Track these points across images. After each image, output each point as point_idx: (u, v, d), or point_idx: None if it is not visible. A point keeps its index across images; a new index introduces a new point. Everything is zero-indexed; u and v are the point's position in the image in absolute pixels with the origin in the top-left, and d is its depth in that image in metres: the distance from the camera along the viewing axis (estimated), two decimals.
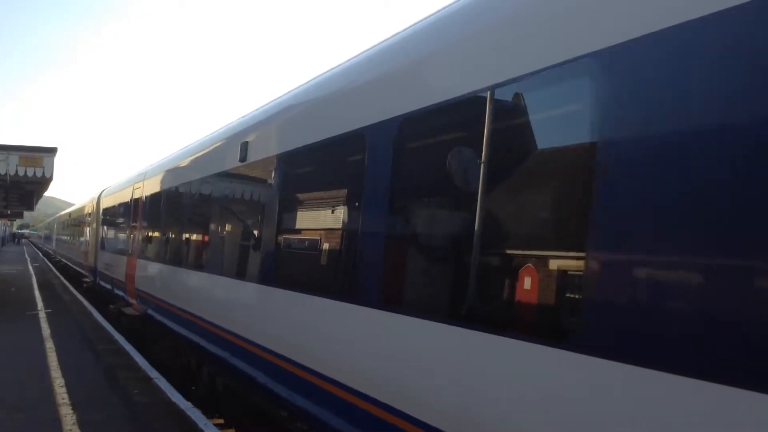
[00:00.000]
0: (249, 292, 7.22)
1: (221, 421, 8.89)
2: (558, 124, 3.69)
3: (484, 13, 4.23)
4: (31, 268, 37.82)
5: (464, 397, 3.77)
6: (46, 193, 24.15)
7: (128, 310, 14.19)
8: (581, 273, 3.13)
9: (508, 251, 3.83)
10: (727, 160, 2.59)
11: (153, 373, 10.35)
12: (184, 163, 11.09)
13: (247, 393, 7.30)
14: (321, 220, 5.95)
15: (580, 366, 3.04)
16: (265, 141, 7.22)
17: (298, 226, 6.46)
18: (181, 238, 10.93)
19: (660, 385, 2.70)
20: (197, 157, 10.31)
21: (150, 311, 12.41)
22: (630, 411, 2.81)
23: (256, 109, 8.28)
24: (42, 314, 17.02)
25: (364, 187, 4.90)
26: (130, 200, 15.32)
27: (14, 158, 15.06)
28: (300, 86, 7.07)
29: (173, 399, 8.78)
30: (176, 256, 10.95)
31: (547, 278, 3.39)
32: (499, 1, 4.18)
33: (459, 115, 4.24)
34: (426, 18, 5.08)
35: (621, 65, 3.04)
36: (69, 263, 32.20)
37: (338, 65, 6.30)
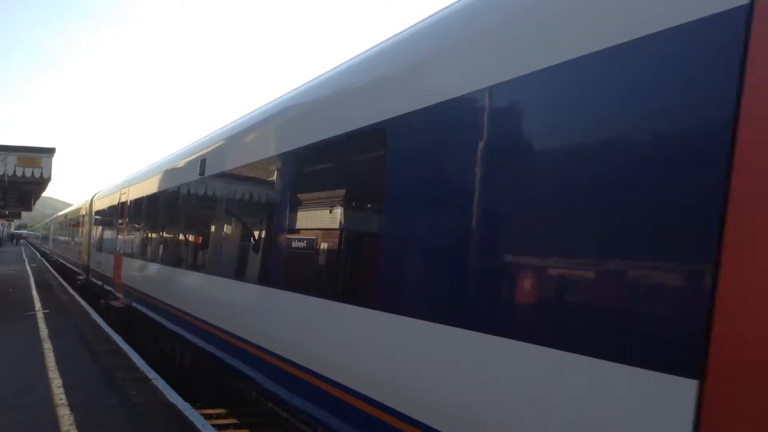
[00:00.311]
0: (205, 282, 8.98)
1: (217, 411, 8.90)
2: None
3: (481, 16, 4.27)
4: (28, 268, 37.78)
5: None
6: (44, 194, 24.11)
7: (116, 303, 15.75)
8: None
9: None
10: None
11: (151, 374, 10.34)
12: (159, 174, 12.66)
13: (210, 367, 8.80)
14: (250, 222, 8.05)
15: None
16: (216, 159, 9.04)
17: (236, 227, 8.39)
18: (157, 238, 12.63)
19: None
20: (168, 170, 11.95)
21: (134, 303, 13.96)
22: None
23: (211, 132, 10.12)
24: (40, 315, 17.00)
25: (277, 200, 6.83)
26: (118, 204, 16.91)
27: (12, 158, 15.05)
28: (240, 117, 8.93)
29: (171, 399, 8.78)
30: (153, 254, 12.63)
31: None
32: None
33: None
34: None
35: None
36: (64, 262, 34.33)
37: (272, 101, 7.91)
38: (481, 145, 3.84)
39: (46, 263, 46.06)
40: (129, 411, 8.18)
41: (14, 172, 15.05)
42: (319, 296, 5.59)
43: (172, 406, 8.49)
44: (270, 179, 7.09)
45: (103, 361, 11.29)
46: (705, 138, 2.70)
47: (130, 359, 11.63)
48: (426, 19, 5.00)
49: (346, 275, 5.36)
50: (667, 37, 2.85)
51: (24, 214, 51.57)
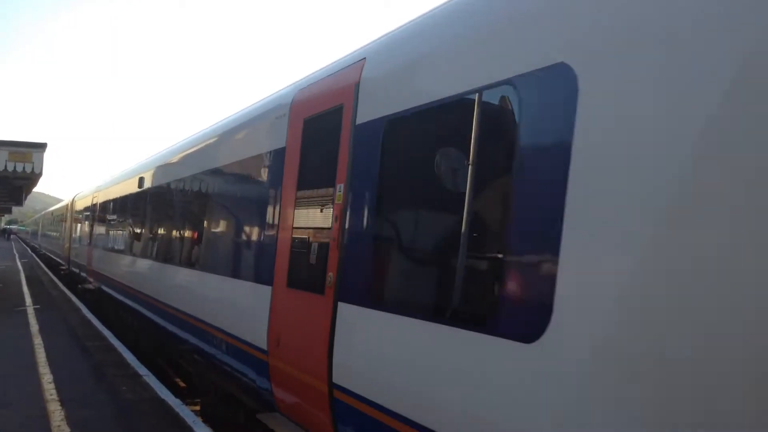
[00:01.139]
0: (141, 264, 12.71)
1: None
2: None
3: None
4: (19, 264, 37.61)
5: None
6: (35, 189, 24.08)
7: (89, 286, 19.36)
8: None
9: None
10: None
11: (142, 370, 10.34)
12: (117, 184, 16.47)
13: (147, 327, 12.19)
14: (167, 221, 11.52)
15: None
16: (147, 178, 12.94)
17: (160, 225, 11.95)
18: (114, 233, 16.64)
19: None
20: (121, 182, 15.78)
21: (102, 285, 17.10)
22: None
23: (147, 158, 14.40)
24: (30, 310, 16.95)
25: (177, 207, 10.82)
26: (91, 205, 20.76)
27: (3, 153, 14.99)
28: (161, 150, 13.14)
29: (162, 396, 8.78)
30: (111, 245, 16.51)
31: None
32: None
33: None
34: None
35: None
36: (51, 255, 38.79)
37: (172, 144, 12.26)
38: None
39: (36, 259, 45.86)
40: (119, 407, 8.17)
41: (5, 167, 14.99)
42: (202, 270, 8.76)
43: (163, 402, 8.50)
44: (176, 194, 10.87)
45: (94, 357, 11.27)
46: None
47: (120, 355, 11.61)
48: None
49: (206, 255, 8.84)
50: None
51: (15, 209, 51.44)
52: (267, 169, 6.82)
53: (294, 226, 6.01)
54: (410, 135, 4.62)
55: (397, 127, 4.62)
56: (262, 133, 7.13)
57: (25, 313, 16.42)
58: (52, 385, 9.01)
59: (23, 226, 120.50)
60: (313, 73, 6.56)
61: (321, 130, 5.72)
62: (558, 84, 3.24)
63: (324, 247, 5.32)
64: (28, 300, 19.28)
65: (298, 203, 5.98)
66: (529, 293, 3.29)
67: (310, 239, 5.69)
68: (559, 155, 3.15)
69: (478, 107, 3.82)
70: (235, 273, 7.48)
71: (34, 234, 68.92)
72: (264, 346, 6.26)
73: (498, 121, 3.85)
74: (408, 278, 4.59)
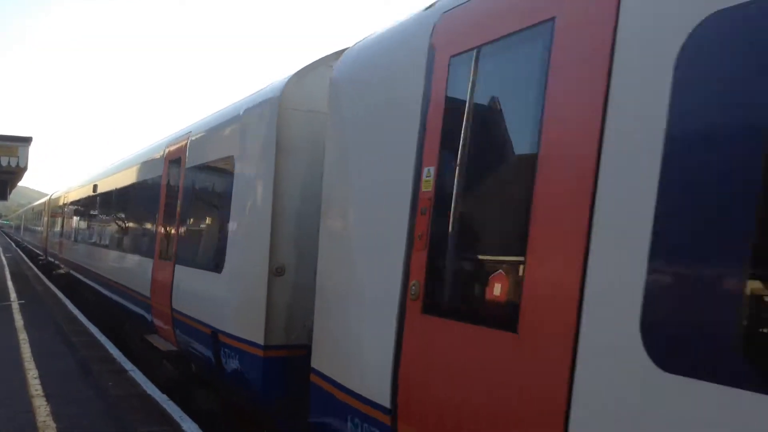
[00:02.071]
0: (91, 249, 17.12)
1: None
2: None
3: None
4: (3, 258, 37.29)
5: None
6: (20, 183, 24.04)
7: (60, 271, 23.92)
8: None
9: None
10: None
11: (128, 366, 10.31)
12: (79, 188, 21.04)
13: (94, 294, 16.47)
14: (108, 218, 15.54)
15: None
16: (99, 186, 16.93)
17: (105, 221, 15.98)
18: (76, 228, 21.25)
19: None
20: (82, 186, 20.42)
21: (70, 270, 21.26)
22: None
23: (101, 168, 18.80)
24: (15, 305, 16.84)
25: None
26: (62, 204, 25.29)
27: None
28: (110, 163, 17.62)
29: (148, 391, 8.77)
30: (74, 237, 21.18)
31: None
32: None
33: None
34: None
35: None
36: (32, 247, 43.39)
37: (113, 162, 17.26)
38: None
39: (21, 254, 45.49)
40: (106, 402, 8.16)
41: None
42: (129, 252, 12.63)
43: (149, 397, 8.49)
44: (114, 199, 15.06)
45: (80, 352, 11.22)
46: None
47: (106, 350, 11.58)
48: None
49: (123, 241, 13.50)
50: None
51: None
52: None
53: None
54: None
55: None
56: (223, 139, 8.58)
57: (9, 308, 16.31)
58: (38, 381, 8.97)
59: (7, 220, 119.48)
60: None
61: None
62: None
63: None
64: (13, 295, 19.15)
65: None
66: (220, 249, 7.59)
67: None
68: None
69: None
70: (134, 251, 12.11)
71: (18, 228, 71.51)
72: (147, 293, 10.45)
73: None
74: None
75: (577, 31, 3.07)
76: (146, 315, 10.49)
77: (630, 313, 2.60)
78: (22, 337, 12.29)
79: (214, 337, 7.40)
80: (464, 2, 3.98)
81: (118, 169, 14.78)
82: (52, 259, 27.02)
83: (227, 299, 7.20)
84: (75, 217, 21.35)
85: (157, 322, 9.84)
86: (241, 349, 6.70)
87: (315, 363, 5.13)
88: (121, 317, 12.92)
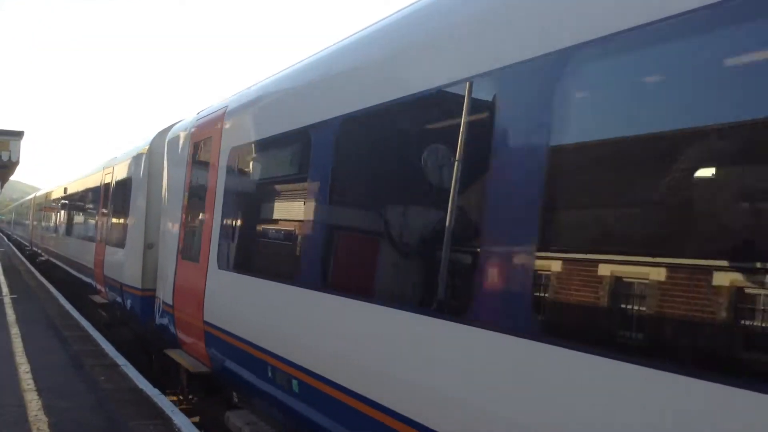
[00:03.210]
0: (61, 239, 22.47)
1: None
2: None
3: None
4: None
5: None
6: (12, 177, 24.04)
7: (41, 258, 28.71)
8: None
9: None
10: None
11: (120, 360, 10.34)
12: (57, 189, 25.77)
13: (65, 278, 20.68)
14: (73, 217, 21.37)
15: None
16: (67, 190, 22.10)
17: (69, 219, 21.67)
18: (53, 223, 26.11)
19: None
20: (55, 190, 25.95)
21: (49, 257, 25.96)
22: None
23: (70, 178, 23.24)
24: (7, 299, 16.81)
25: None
26: (44, 201, 30.91)
27: None
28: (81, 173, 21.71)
29: (140, 386, 8.80)
30: (49, 229, 27.23)
31: None
32: None
33: None
34: None
35: None
36: (20, 239, 47.95)
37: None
38: None
39: (13, 248, 45.35)
40: (97, 396, 8.19)
41: None
42: (79, 239, 18.41)
43: (141, 392, 8.52)
44: (72, 200, 20.90)
45: (72, 347, 11.24)
46: None
47: (98, 345, 11.59)
48: None
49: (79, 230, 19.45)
50: None
51: None
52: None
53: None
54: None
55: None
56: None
57: (2, 303, 16.29)
58: (29, 375, 8.98)
59: (2, 215, 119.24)
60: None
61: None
62: None
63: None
64: (5, 289, 19.11)
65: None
66: (123, 234, 12.38)
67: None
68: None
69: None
70: (84, 238, 17.50)
71: (9, 223, 74.27)
72: (91, 266, 15.28)
73: None
74: None
75: (204, 146, 8.30)
76: (91, 281, 15.73)
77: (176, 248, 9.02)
78: (14, 331, 12.29)
79: (121, 288, 12.19)
80: (200, 120, 8.83)
81: (77, 178, 21.05)
82: (36, 249, 32.85)
83: (126, 264, 11.89)
84: (51, 213, 27.58)
85: (96, 285, 15.05)
86: (132, 293, 11.50)
87: (157, 293, 9.94)
88: (77, 284, 18.16)
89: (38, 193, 37.05)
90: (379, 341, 4.43)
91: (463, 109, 3.88)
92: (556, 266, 3.19)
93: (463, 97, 3.88)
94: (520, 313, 3.32)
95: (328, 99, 5.41)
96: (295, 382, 5.49)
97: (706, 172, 2.69)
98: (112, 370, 9.67)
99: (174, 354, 8.70)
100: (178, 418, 7.41)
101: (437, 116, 4.36)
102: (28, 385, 8.50)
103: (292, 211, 6.16)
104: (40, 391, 8.23)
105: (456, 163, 3.87)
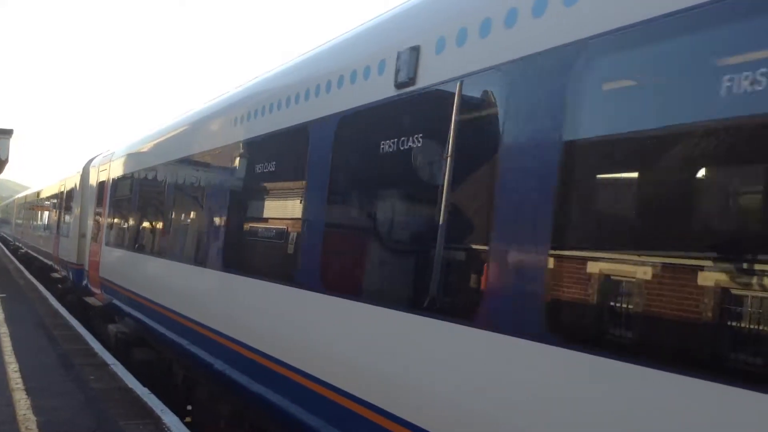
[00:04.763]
0: (31, 231, 32.37)
1: None
2: None
3: None
4: None
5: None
6: (1, 176, 23.91)
7: (22, 250, 34.25)
8: None
9: None
10: None
11: (109, 359, 10.31)
12: (34, 192, 33.44)
13: (34, 261, 28.57)
14: (42, 217, 28.69)
15: None
16: (39, 193, 30.60)
17: (42, 219, 28.20)
18: (31, 222, 32.59)
19: None
20: (36, 192, 32.80)
21: (27, 249, 31.66)
22: None
23: (44, 186, 30.57)
24: None
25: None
26: (23, 203, 38.02)
27: None
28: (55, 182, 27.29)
29: (130, 385, 8.77)
30: (30, 226, 32.74)
31: None
32: None
33: None
34: None
35: None
36: (6, 236, 53.83)
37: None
38: None
39: (3, 247, 45.17)
40: (87, 396, 8.15)
41: None
42: (44, 232, 26.31)
43: (130, 391, 8.50)
44: (41, 203, 28.52)
45: (61, 346, 11.19)
46: None
47: (88, 344, 11.55)
48: None
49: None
50: None
51: None
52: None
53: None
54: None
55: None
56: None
57: None
58: (18, 375, 8.93)
59: None
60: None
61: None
62: None
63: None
64: None
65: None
66: (67, 227, 18.93)
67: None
68: None
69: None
70: (47, 231, 24.48)
71: None
72: (51, 251, 22.23)
73: None
74: None
75: (101, 175, 14.62)
76: (52, 263, 21.85)
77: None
78: (3, 330, 12.22)
79: (66, 264, 17.77)
80: (103, 157, 14.74)
81: (45, 187, 28.21)
82: (19, 244, 38.87)
83: (68, 248, 17.44)
84: (27, 213, 34.53)
85: (55, 265, 21.16)
86: (71, 267, 16.92)
87: (84, 265, 15.35)
88: (45, 268, 23.76)
89: (18, 196, 46.52)
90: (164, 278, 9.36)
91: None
92: (550, 265, 3.18)
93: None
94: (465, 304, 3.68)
95: (153, 154, 10.49)
96: (138, 303, 10.09)
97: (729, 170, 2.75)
98: (101, 370, 9.63)
99: (89, 299, 14.37)
100: (168, 418, 7.39)
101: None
102: (17, 384, 8.45)
103: (136, 212, 11.41)
104: (28, 390, 8.19)
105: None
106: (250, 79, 7.61)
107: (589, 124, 3.06)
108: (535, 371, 3.06)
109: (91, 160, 16.42)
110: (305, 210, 5.33)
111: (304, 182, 5.40)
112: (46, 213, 25.10)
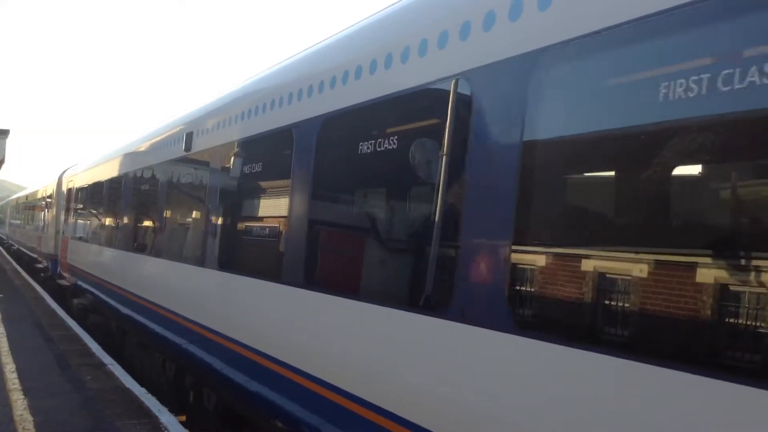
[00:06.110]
0: (22, 229, 35.57)
1: None
2: None
3: None
4: None
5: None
6: None
7: (13, 248, 37.82)
8: None
9: None
10: None
11: (107, 359, 10.31)
12: (21, 196, 40.51)
13: (23, 256, 32.42)
14: (30, 217, 31.78)
15: None
16: (26, 201, 34.85)
17: (31, 219, 31.25)
18: (21, 221, 36.65)
19: None
20: (20, 198, 40.29)
21: (18, 247, 34.90)
22: None
23: (28, 189, 37.86)
24: None
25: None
26: (14, 206, 43.22)
27: None
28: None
29: (127, 385, 8.78)
30: (20, 226, 36.62)
31: None
32: None
33: None
34: None
35: None
36: (1, 235, 57.49)
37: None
38: None
39: None
40: (84, 396, 8.16)
41: None
42: (33, 230, 29.40)
43: (128, 391, 8.50)
44: (30, 206, 31.58)
45: (58, 347, 11.19)
46: None
47: (85, 344, 11.55)
48: None
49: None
50: None
51: None
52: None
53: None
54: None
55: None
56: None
57: None
58: (15, 375, 8.93)
59: None
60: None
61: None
62: None
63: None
64: None
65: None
66: (46, 226, 23.24)
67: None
68: None
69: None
70: (35, 230, 27.31)
71: None
72: (36, 246, 25.67)
73: None
74: None
75: (68, 183, 18.55)
76: (37, 257, 24.64)
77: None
78: (0, 331, 12.21)
79: (47, 256, 21.08)
80: (72, 170, 18.69)
81: (32, 191, 31.39)
82: (11, 241, 42.59)
83: (48, 243, 20.79)
84: (18, 214, 38.31)
85: (39, 258, 23.82)
86: (50, 258, 20.33)
87: (60, 256, 18.53)
88: (25, 257, 28.98)
89: (11, 198, 51.24)
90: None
91: None
92: (532, 261, 3.25)
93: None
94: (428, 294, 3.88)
95: (110, 170, 12.72)
96: (95, 282, 12.76)
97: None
98: (98, 370, 9.64)
99: (61, 282, 17.69)
100: (165, 417, 7.41)
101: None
102: (14, 384, 8.45)
103: (90, 214, 14.50)
104: (25, 390, 8.20)
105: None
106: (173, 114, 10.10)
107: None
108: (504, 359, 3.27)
109: (65, 171, 20.06)
110: (267, 209, 6.36)
111: (255, 186, 6.59)
112: (33, 214, 29.31)
